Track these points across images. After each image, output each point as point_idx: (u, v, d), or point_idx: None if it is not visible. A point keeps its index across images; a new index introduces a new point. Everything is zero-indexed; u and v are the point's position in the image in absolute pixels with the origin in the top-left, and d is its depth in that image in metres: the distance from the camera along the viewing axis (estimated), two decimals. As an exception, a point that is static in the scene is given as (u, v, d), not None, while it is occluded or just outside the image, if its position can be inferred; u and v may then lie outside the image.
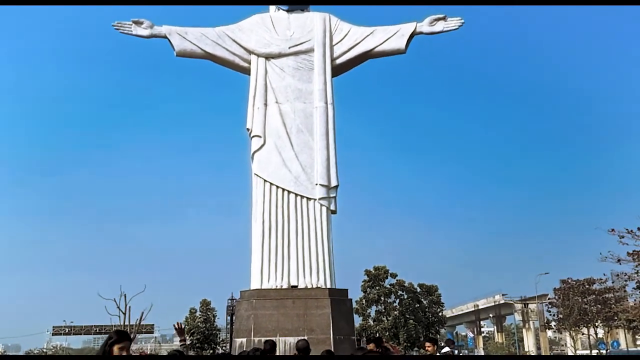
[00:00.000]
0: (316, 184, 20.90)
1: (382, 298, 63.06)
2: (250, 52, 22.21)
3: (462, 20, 22.05)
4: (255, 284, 20.38)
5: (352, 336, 19.77)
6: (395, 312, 62.41)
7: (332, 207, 21.17)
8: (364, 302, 61.94)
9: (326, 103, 21.71)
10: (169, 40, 22.11)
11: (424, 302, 64.92)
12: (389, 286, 63.45)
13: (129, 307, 44.99)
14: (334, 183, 21.14)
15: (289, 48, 22.08)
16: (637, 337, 66.19)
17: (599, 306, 60.49)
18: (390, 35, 22.30)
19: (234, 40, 22.27)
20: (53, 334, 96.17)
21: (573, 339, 64.07)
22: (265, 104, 21.69)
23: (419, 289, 65.03)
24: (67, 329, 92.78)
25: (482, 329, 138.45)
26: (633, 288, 40.91)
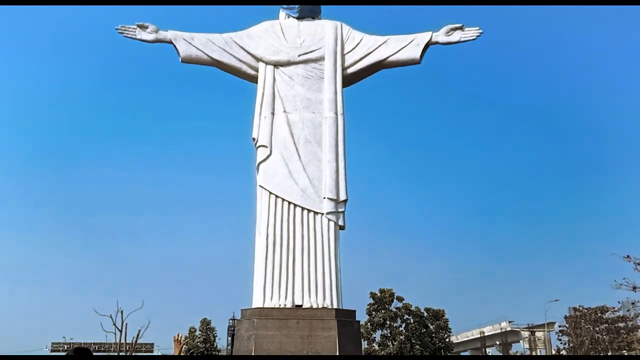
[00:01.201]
0: (324, 198, 19.85)
1: (388, 322, 61.46)
2: (258, 59, 21.36)
3: (481, 30, 21.15)
4: (257, 302, 19.20)
5: (359, 361, 18.49)
6: (401, 337, 60.74)
7: (341, 223, 20.06)
8: (369, 325, 60.32)
9: (336, 113, 20.75)
10: (174, 46, 21.33)
11: (431, 327, 63.25)
12: (395, 310, 61.91)
13: (126, 324, 43.69)
14: (342, 197, 20.07)
15: (299, 56, 21.22)
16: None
17: (612, 335, 58.70)
18: (405, 44, 21.41)
19: (241, 47, 21.44)
20: (52, 351, 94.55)
21: (587, 369, 62.12)
22: (273, 113, 20.75)
23: (425, 314, 63.40)
24: (65, 346, 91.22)
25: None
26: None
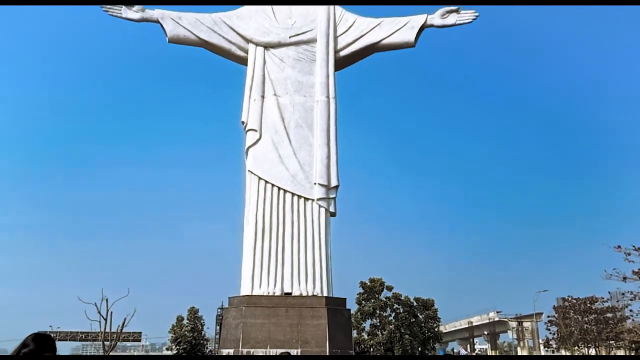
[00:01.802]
0: (315, 183, 19.33)
1: (378, 311, 61.13)
2: (248, 40, 20.70)
3: (477, 13, 20.62)
4: (245, 290, 18.70)
5: (350, 350, 18.07)
6: (390, 326, 60.52)
7: (332, 209, 19.57)
8: (358, 315, 60.01)
9: (328, 97, 20.19)
10: (161, 25, 20.61)
11: (420, 316, 63.02)
12: (384, 299, 61.60)
13: (111, 312, 42.95)
14: (334, 183, 19.56)
15: (290, 37, 20.59)
16: None
17: (600, 326, 58.83)
18: (399, 27, 20.83)
19: (231, 28, 20.76)
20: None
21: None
22: (263, 96, 20.15)
23: (415, 303, 63.17)
24: (52, 335, 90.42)
25: (476, 347, 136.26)
26: (640, 308, 39.42)
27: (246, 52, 20.74)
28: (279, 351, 16.96)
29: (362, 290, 62.53)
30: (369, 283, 62.66)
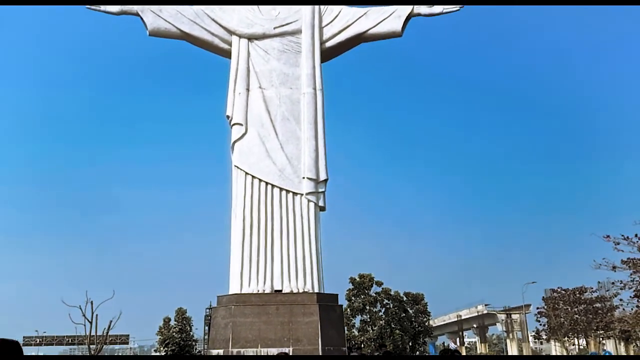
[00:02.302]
0: (303, 178, 18.90)
1: (368, 307, 60.92)
2: (231, 32, 20.17)
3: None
4: (234, 288, 18.21)
5: (343, 347, 17.67)
6: (380, 322, 60.30)
7: (321, 203, 19.15)
8: (348, 311, 59.72)
9: (315, 89, 19.75)
10: (141, 18, 20.01)
11: (410, 311, 62.92)
12: (374, 295, 61.41)
13: (96, 315, 42.18)
14: (322, 176, 19.13)
15: (275, 29, 20.09)
16: (630, 346, 64.84)
17: (590, 316, 59.04)
18: (386, 16, 20.42)
19: (213, 20, 20.21)
20: (23, 345, 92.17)
21: (566, 349, 62.31)
22: (248, 89, 19.65)
23: (405, 298, 63.05)
24: (38, 340, 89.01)
25: (465, 340, 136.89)
26: (630, 297, 39.42)
27: (229, 44, 20.22)
28: (270, 350, 16.52)
29: (351, 286, 62.25)
30: (358, 279, 62.39)
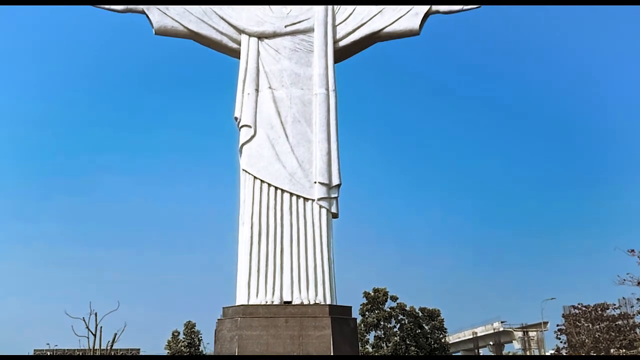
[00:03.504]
0: (315, 182, 17.93)
1: (382, 322, 59.57)
2: (240, 31, 19.35)
3: (484, -2, 19.26)
4: (241, 299, 17.18)
5: (356, 363, 16.49)
6: (395, 338, 58.85)
7: (334, 210, 18.11)
8: (362, 326, 58.39)
9: (327, 90, 18.82)
10: (147, 16, 19.31)
11: (426, 327, 61.39)
12: (389, 310, 60.03)
13: (101, 327, 41.27)
14: (335, 181, 18.11)
15: (286, 27, 19.24)
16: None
17: (612, 334, 57.06)
18: (402, 14, 19.49)
19: (222, 18, 19.42)
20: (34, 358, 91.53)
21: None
22: (257, 90, 18.76)
23: (420, 314, 61.55)
24: (49, 353, 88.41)
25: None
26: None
27: (238, 43, 19.39)
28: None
29: (365, 301, 60.92)
30: (372, 293, 61.07)
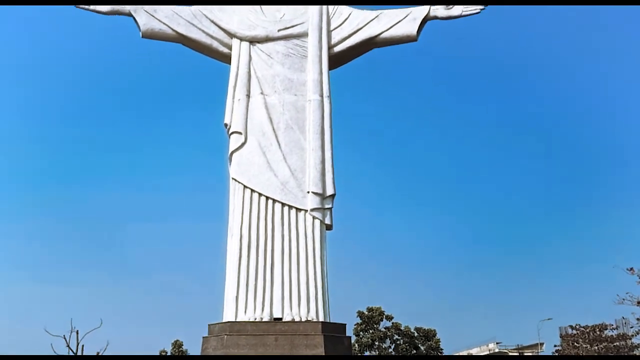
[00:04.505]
0: (308, 192, 17.08)
1: (377, 343, 58.26)
2: (231, 35, 18.63)
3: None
4: (228, 316, 16.22)
5: (351, 385, 15.47)
6: (390, 359, 57.57)
7: (328, 221, 17.25)
8: (356, 346, 57.05)
9: (322, 96, 18.08)
10: (134, 19, 18.57)
11: (422, 348, 60.12)
12: (384, 330, 58.78)
13: (82, 345, 39.89)
14: (329, 191, 17.27)
15: (278, 31, 18.52)
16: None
17: (611, 354, 55.97)
18: (400, 19, 18.84)
19: (212, 21, 18.71)
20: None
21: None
22: (248, 95, 17.99)
23: (416, 334, 60.31)
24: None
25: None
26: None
27: (229, 48, 18.67)
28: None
29: (359, 320, 59.71)
30: (367, 312, 59.87)
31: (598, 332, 58.34)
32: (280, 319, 16.02)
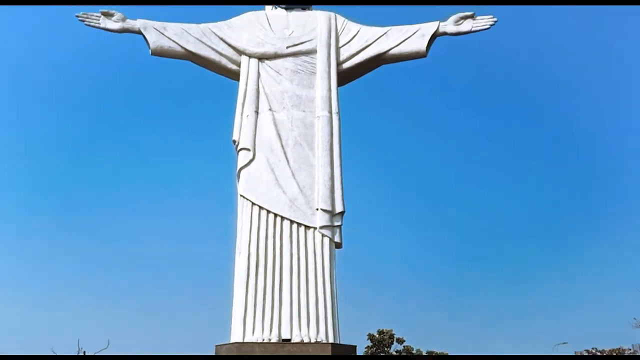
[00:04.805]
0: (317, 209, 16.80)
1: (387, 366, 57.24)
2: (240, 52, 18.59)
3: (495, 19, 18.57)
4: (236, 336, 15.85)
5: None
6: (401, 384, 56.48)
7: (337, 239, 16.93)
8: (367, 370, 56.10)
9: (330, 112, 17.94)
10: (144, 36, 18.62)
11: (434, 372, 59.04)
12: (395, 353, 57.77)
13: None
14: (339, 208, 16.99)
15: (287, 48, 18.46)
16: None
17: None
18: (408, 35, 18.74)
19: (221, 39, 18.71)
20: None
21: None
22: (257, 112, 17.86)
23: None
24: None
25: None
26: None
27: (238, 64, 18.62)
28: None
29: (370, 344, 58.76)
30: (377, 335, 58.94)
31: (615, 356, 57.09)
32: (289, 340, 15.63)
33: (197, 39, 18.60)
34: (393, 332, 58.56)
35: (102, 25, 18.38)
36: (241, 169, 17.33)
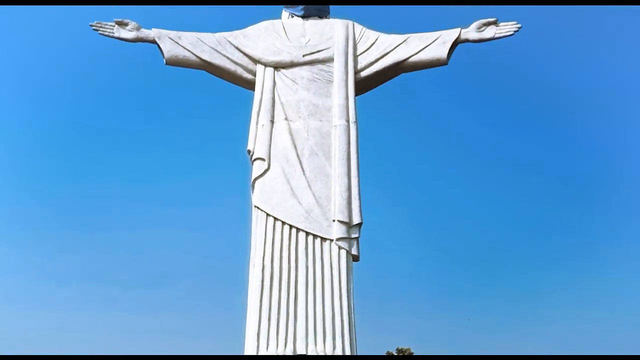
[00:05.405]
0: (333, 220, 16.31)
1: (406, 386, 56.07)
2: (256, 61, 18.33)
3: (519, 25, 18.06)
4: (249, 351, 15.37)
5: None
6: (421, 403, 55.21)
7: (354, 252, 16.40)
8: (385, 389, 55.01)
9: (348, 121, 17.52)
10: (158, 46, 18.48)
11: (454, 392, 57.67)
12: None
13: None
14: (356, 220, 16.47)
15: (303, 56, 18.15)
16: None
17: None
18: (429, 42, 18.31)
19: (236, 48, 18.47)
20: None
21: None
22: (272, 121, 17.52)
23: (447, 377, 57.99)
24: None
25: None
26: None
27: (253, 74, 18.35)
28: None
29: (388, 362, 57.69)
30: (395, 353, 57.85)
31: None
32: (305, 355, 15.09)
33: (212, 48, 18.39)
34: (412, 351, 57.53)
35: (116, 35, 18.28)
36: (256, 179, 16.96)
